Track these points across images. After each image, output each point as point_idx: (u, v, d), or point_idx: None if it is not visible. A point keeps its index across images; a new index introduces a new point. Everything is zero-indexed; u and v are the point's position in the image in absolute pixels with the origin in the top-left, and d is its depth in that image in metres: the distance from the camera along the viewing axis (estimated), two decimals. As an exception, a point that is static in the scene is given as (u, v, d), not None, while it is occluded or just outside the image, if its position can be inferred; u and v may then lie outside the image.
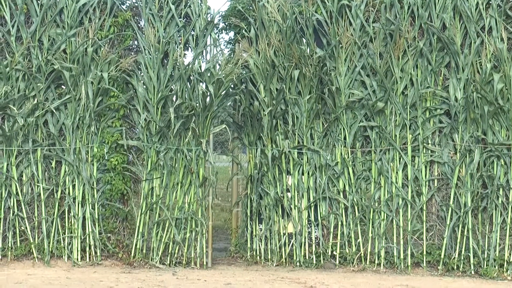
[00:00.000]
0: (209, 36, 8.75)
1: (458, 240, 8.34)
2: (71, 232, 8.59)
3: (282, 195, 8.71)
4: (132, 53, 8.86)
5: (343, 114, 8.58)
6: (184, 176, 8.59)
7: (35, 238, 8.60)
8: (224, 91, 8.53)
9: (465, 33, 8.44)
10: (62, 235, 8.61)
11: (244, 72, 8.74)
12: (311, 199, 8.67)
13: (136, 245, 8.56)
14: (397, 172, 8.51)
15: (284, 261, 8.67)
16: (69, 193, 8.61)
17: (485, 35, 8.33)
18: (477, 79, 8.22)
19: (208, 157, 8.56)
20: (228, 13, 8.99)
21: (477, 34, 8.38)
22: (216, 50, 8.80)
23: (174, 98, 8.63)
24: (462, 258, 8.32)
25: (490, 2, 8.35)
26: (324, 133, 8.69)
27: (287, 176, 8.74)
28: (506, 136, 8.26)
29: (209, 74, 8.49)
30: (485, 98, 8.16)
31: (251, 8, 8.88)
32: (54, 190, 8.65)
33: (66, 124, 8.59)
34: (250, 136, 8.79)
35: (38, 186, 8.61)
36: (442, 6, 8.44)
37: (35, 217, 8.62)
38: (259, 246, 8.78)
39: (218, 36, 9.05)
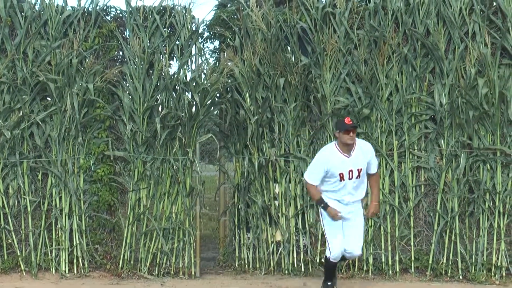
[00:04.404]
0: (194, 45, 8.75)
1: (446, 245, 8.36)
2: (59, 244, 8.57)
3: (269, 203, 8.70)
4: (117, 64, 8.85)
5: (329, 122, 8.58)
6: (171, 186, 8.59)
7: (22, 251, 8.57)
8: (210, 100, 8.53)
9: (449, 38, 8.47)
10: (50, 247, 8.59)
11: (230, 81, 8.73)
12: (299, 206, 8.66)
13: (124, 256, 8.54)
14: (383, 178, 8.52)
15: (272, 269, 8.65)
16: (56, 205, 8.59)
17: (469, 41, 8.36)
18: (462, 84, 8.24)
19: (194, 167, 8.55)
20: (213, 22, 8.96)
21: (461, 40, 8.41)
22: (201, 60, 8.81)
23: (160, 108, 8.62)
24: (450, 263, 8.33)
25: (473, 7, 8.39)
26: (311, 141, 8.69)
27: (274, 184, 8.74)
28: (491, 140, 8.28)
29: (194, 84, 8.49)
30: (470, 103, 8.19)
31: (235, 17, 8.88)
32: (41, 202, 8.63)
33: (52, 136, 8.57)
34: (237, 145, 8.78)
35: (24, 198, 8.58)
36: (425, 12, 8.48)
37: (22, 230, 8.60)
38: (247, 255, 8.76)
39: (203, 45, 9.05)
